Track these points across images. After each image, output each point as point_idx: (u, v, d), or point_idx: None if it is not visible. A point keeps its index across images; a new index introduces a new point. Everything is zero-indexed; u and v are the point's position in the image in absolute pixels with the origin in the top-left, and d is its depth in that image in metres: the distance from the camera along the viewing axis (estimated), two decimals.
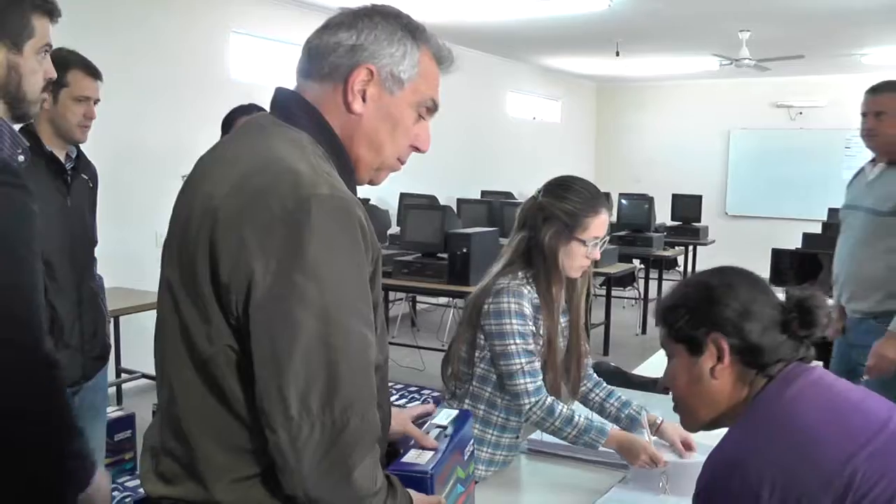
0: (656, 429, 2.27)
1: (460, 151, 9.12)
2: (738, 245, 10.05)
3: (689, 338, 1.42)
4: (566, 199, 2.15)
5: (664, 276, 8.31)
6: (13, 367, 1.32)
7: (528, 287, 2.14)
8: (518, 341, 2.09)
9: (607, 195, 8.87)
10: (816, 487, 1.22)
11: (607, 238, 2.22)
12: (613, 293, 7.35)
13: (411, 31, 1.28)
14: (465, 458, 1.54)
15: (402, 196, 7.60)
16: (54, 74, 1.69)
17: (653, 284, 8.10)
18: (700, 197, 9.38)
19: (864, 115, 3.22)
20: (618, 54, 8.71)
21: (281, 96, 1.29)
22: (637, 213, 8.16)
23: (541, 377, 2.12)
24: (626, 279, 7.62)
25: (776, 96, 11.18)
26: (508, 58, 10.05)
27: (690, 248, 9.16)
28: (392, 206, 7.70)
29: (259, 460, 1.16)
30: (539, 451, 2.28)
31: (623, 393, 2.38)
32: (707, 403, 1.44)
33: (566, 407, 2.12)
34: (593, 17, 7.13)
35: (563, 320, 2.25)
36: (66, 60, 2.39)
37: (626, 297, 8.66)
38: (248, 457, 1.17)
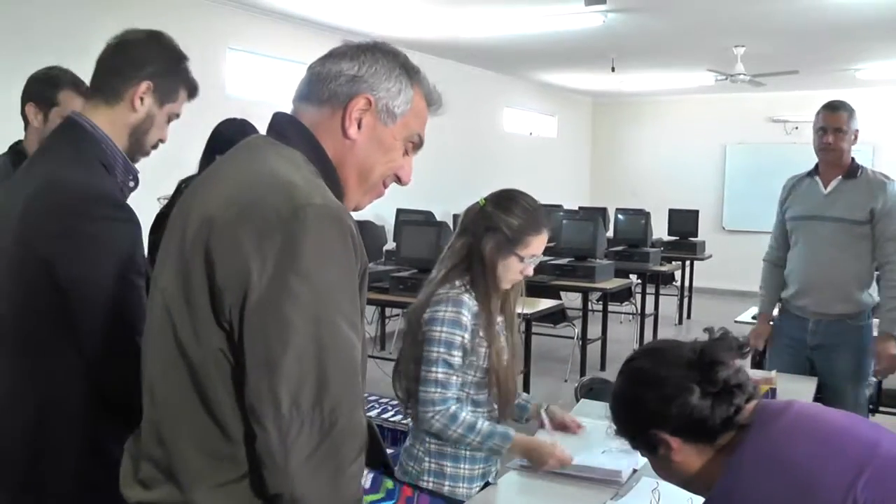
0: (544, 411, 2.36)
1: (456, 167, 9.13)
2: (735, 259, 10.07)
3: (640, 445, 1.51)
4: (512, 213, 2.16)
5: (661, 292, 8.31)
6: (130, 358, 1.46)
7: (468, 294, 2.15)
8: (441, 350, 2.10)
9: (604, 210, 8.98)
10: None
11: (540, 257, 2.25)
12: (610, 308, 7.34)
13: (408, 70, 1.37)
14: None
15: (399, 212, 7.60)
16: (166, 138, 1.92)
17: (650, 300, 8.10)
18: (697, 212, 9.39)
19: (822, 130, 3.46)
20: (613, 70, 8.74)
21: (277, 118, 1.36)
22: (633, 228, 8.16)
23: (453, 391, 2.12)
24: (623, 294, 7.61)
25: (771, 111, 11.22)
26: (504, 73, 10.09)
27: (687, 262, 9.16)
28: (388, 222, 7.70)
29: (237, 466, 1.19)
30: (531, 468, 2.26)
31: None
32: (683, 478, 1.48)
33: (470, 414, 2.13)
34: (588, 32, 7.16)
35: (501, 336, 2.25)
36: (57, 80, 2.41)
37: (623, 313, 8.65)
38: (227, 463, 1.19)
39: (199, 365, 1.19)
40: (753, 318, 3.96)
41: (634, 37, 7.48)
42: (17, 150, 2.37)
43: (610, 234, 8.25)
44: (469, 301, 2.14)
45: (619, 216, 8.37)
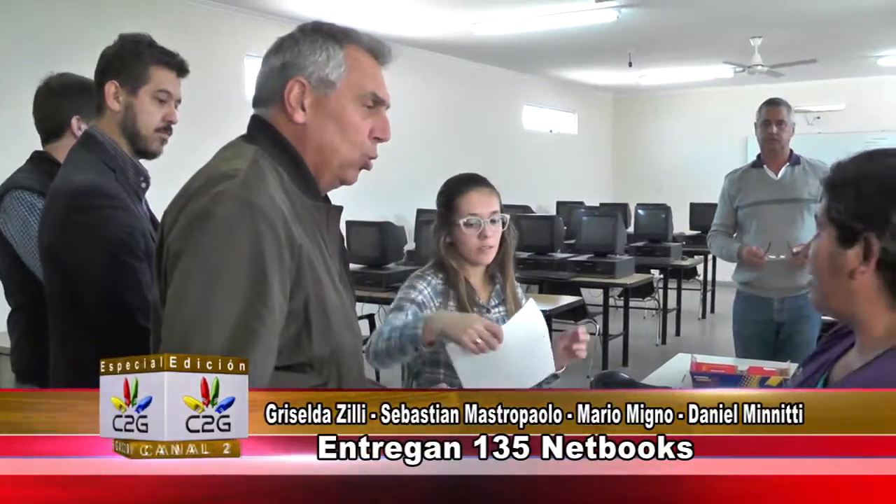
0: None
1: (477, 166, 9.07)
2: None
3: (843, 225, 1.21)
4: (440, 193, 2.27)
5: (683, 286, 8.27)
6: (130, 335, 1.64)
7: (429, 274, 2.22)
8: (399, 296, 2.17)
9: (624, 206, 8.93)
10: None
11: (504, 217, 2.23)
12: (632, 304, 7.33)
13: (333, 35, 1.38)
14: None
15: (419, 212, 7.64)
16: (174, 119, 1.99)
17: (672, 294, 8.07)
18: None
19: (766, 122, 3.86)
20: (630, 65, 8.72)
21: (249, 121, 1.42)
22: (654, 222, 8.13)
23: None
24: (645, 289, 7.60)
25: (792, 102, 10.88)
26: (523, 72, 10.10)
27: (710, 256, 9.10)
28: (409, 222, 7.74)
29: None
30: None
31: None
32: (839, 298, 1.24)
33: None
34: (603, 28, 7.16)
35: (499, 310, 2.27)
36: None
37: (646, 308, 8.63)
38: None
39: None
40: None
41: (649, 31, 7.47)
42: (42, 157, 2.37)
43: (630, 229, 8.23)
44: (430, 277, 2.20)
45: (640, 211, 8.35)
